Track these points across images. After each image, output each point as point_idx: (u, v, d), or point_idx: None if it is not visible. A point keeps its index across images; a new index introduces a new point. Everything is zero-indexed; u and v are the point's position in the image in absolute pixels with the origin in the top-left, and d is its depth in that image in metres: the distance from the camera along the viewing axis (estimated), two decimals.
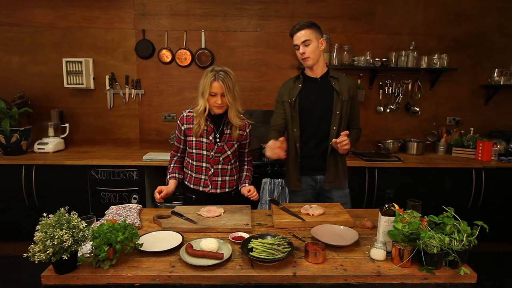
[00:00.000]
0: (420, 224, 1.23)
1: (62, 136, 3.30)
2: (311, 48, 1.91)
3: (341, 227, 1.54)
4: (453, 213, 1.28)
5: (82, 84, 3.23)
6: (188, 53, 3.33)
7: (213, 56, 3.35)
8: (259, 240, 1.34)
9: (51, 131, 3.19)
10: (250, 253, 1.25)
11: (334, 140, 1.88)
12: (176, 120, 3.23)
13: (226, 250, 1.32)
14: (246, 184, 1.96)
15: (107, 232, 1.21)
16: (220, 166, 1.90)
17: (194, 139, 1.87)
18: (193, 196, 1.96)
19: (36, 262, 1.11)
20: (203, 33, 3.33)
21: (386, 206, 1.34)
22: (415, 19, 3.39)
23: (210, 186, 1.91)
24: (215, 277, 1.19)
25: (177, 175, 1.97)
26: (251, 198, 1.86)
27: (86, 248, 1.22)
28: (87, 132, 3.45)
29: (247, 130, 1.95)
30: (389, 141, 3.39)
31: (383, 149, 3.38)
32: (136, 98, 3.42)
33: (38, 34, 3.27)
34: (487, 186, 2.97)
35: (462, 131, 3.45)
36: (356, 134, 2.14)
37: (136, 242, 1.28)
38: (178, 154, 2.01)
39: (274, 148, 1.73)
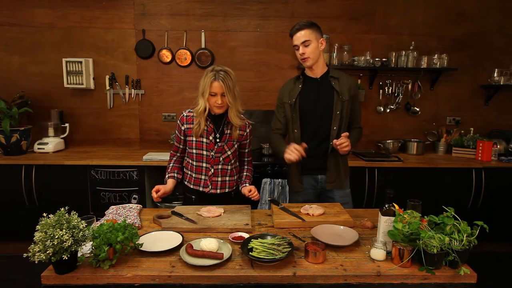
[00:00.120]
0: (420, 224, 1.23)
1: (62, 136, 3.30)
2: (310, 49, 1.90)
3: (341, 227, 1.54)
4: (453, 213, 1.28)
5: (82, 84, 3.23)
6: (188, 53, 3.33)
7: (213, 56, 3.35)
8: (259, 240, 1.34)
9: (51, 131, 3.19)
10: (250, 253, 1.25)
11: (334, 141, 1.88)
12: (176, 120, 3.23)
13: (226, 250, 1.32)
14: (247, 184, 1.95)
15: (107, 232, 1.21)
16: (220, 167, 1.90)
17: (194, 139, 1.87)
18: (193, 197, 1.95)
19: (36, 262, 1.11)
20: (203, 33, 3.33)
21: (386, 206, 1.34)
22: (415, 19, 3.39)
23: (210, 187, 1.91)
24: (215, 277, 1.19)
25: (175, 175, 1.96)
26: (252, 198, 1.86)
27: (86, 248, 1.22)
28: (87, 132, 3.45)
29: (247, 130, 1.95)
30: (389, 141, 3.39)
31: (383, 149, 3.38)
32: (136, 98, 3.42)
33: (38, 34, 3.27)
34: (487, 186, 2.97)
35: (462, 131, 3.45)
36: (358, 134, 2.13)
37: (136, 242, 1.28)
38: (178, 154, 2.01)
39: (293, 151, 1.81)
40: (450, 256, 1.21)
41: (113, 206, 1.79)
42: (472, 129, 3.41)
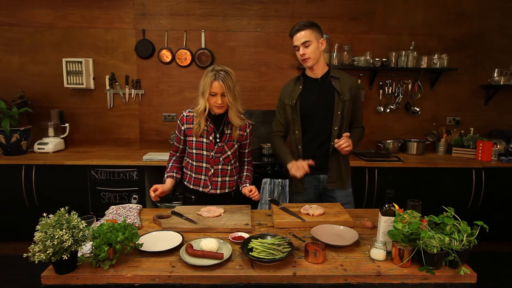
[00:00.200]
0: (420, 224, 1.23)
1: (62, 136, 3.30)
2: (311, 49, 1.90)
3: (341, 227, 1.54)
4: (453, 213, 1.28)
5: (82, 84, 3.23)
6: (188, 53, 3.33)
7: (213, 56, 3.35)
8: (259, 240, 1.34)
9: (51, 131, 3.19)
10: (250, 253, 1.25)
11: (336, 140, 1.88)
12: (176, 120, 3.23)
13: (226, 250, 1.32)
14: (247, 184, 1.95)
15: (107, 232, 1.21)
16: (220, 167, 1.90)
17: (194, 139, 1.86)
18: (192, 197, 1.95)
19: (36, 262, 1.11)
20: (203, 33, 3.33)
21: (386, 206, 1.34)
22: (415, 19, 3.39)
23: (210, 187, 1.91)
24: (215, 277, 1.19)
25: (174, 174, 1.96)
26: (253, 198, 1.85)
27: (86, 248, 1.22)
28: (87, 132, 3.45)
29: (248, 131, 1.95)
30: (389, 141, 3.39)
31: (383, 149, 3.38)
32: (136, 98, 3.42)
33: (38, 34, 3.27)
34: (487, 186, 2.97)
35: (462, 131, 3.45)
36: (360, 133, 2.13)
37: (136, 242, 1.28)
38: (177, 154, 2.01)
39: (299, 168, 1.87)
40: (450, 256, 1.21)
41: (113, 206, 1.79)
42: (472, 129, 3.41)
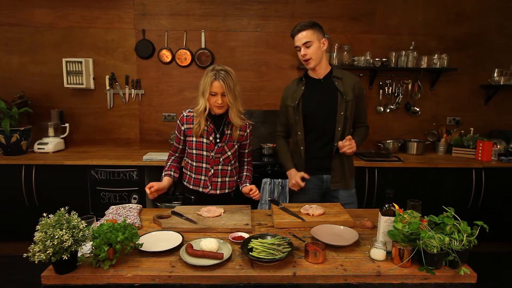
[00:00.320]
0: (420, 224, 1.23)
1: (62, 136, 3.30)
2: (312, 50, 1.88)
3: (341, 227, 1.54)
4: (453, 213, 1.28)
5: (82, 84, 3.23)
6: (188, 53, 3.33)
7: (213, 56, 3.35)
8: (259, 240, 1.34)
9: (51, 131, 3.19)
10: (250, 253, 1.25)
11: (339, 142, 1.87)
12: (176, 120, 3.23)
13: (226, 250, 1.32)
14: (247, 184, 1.94)
15: (107, 232, 1.21)
16: (220, 167, 1.90)
17: (194, 139, 1.86)
18: (192, 197, 1.95)
19: (36, 262, 1.11)
20: (203, 33, 3.33)
21: (386, 206, 1.34)
22: (415, 19, 3.39)
23: (210, 187, 1.91)
24: (215, 277, 1.19)
25: (172, 173, 1.94)
26: (253, 197, 1.85)
27: (86, 248, 1.22)
28: (87, 132, 3.45)
29: (248, 131, 1.95)
30: (389, 141, 3.39)
31: (383, 149, 3.38)
32: (136, 98, 3.42)
33: (38, 34, 3.27)
34: (487, 186, 2.97)
35: (462, 131, 3.45)
36: (364, 132, 2.12)
37: (136, 242, 1.28)
38: (176, 154, 2.00)
39: (295, 185, 1.99)
40: (450, 256, 1.21)
41: (113, 206, 1.79)
42: (472, 129, 3.41)
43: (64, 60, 3.19)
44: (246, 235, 1.45)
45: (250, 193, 1.85)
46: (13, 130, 2.94)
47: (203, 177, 1.90)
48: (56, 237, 1.10)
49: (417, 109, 3.50)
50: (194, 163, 1.90)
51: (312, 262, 1.26)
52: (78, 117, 3.41)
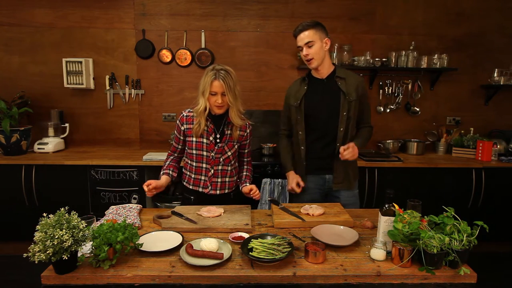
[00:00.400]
0: (420, 224, 1.23)
1: (62, 136, 3.30)
2: (314, 49, 1.88)
3: (341, 227, 1.54)
4: (453, 213, 1.28)
5: (82, 84, 3.23)
6: (188, 53, 3.33)
7: (213, 56, 3.35)
8: (259, 240, 1.34)
9: (51, 131, 3.19)
10: (250, 253, 1.25)
11: (340, 150, 1.86)
12: (176, 120, 3.22)
13: (226, 250, 1.32)
14: (247, 184, 1.94)
15: (107, 232, 1.21)
16: (220, 167, 1.89)
17: (194, 139, 1.85)
18: (192, 197, 1.94)
19: (36, 262, 1.11)
20: (203, 33, 3.33)
21: (386, 206, 1.34)
22: (415, 19, 3.39)
23: (210, 187, 1.90)
24: (215, 277, 1.19)
25: (171, 172, 1.92)
26: (254, 197, 1.84)
27: (86, 248, 1.22)
28: (87, 132, 3.45)
29: (248, 131, 1.94)
30: (389, 141, 3.39)
31: (383, 149, 3.38)
32: (136, 98, 3.42)
33: (38, 34, 3.27)
34: (487, 186, 2.97)
35: (462, 131, 3.45)
36: (368, 133, 2.10)
37: (136, 242, 1.28)
38: (175, 155, 1.99)
39: (291, 189, 2.04)
40: (450, 256, 1.21)
41: (113, 206, 1.79)
42: (472, 129, 3.41)
43: (64, 60, 3.19)
44: (246, 235, 1.45)
45: (251, 193, 1.84)
46: (13, 130, 2.94)
47: (203, 177, 1.90)
48: (56, 237, 1.10)
49: (417, 109, 3.50)
50: (194, 163, 1.89)
51: (312, 262, 1.26)
52: (78, 117, 3.41)
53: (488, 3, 3.37)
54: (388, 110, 3.49)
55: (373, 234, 1.53)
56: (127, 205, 1.82)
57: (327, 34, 1.94)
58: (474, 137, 3.24)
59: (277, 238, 1.35)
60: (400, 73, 3.44)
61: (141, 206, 1.85)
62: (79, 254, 1.21)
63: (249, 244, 1.31)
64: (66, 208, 1.24)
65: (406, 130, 3.55)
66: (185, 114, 1.87)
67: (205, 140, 1.84)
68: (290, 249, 1.28)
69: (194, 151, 1.87)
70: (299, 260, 1.29)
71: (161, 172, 1.93)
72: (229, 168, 1.92)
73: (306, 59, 1.92)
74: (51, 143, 3.14)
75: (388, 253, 1.30)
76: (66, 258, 1.12)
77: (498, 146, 3.15)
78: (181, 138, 1.91)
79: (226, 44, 3.37)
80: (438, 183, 2.97)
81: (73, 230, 1.15)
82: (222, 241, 1.38)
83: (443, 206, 1.33)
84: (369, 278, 1.20)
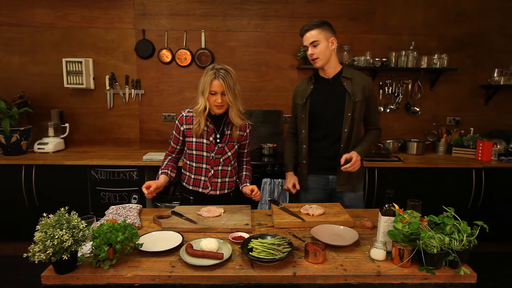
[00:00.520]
0: (420, 224, 1.23)
1: (62, 136, 3.30)
2: (319, 49, 1.88)
3: (341, 227, 1.54)
4: (453, 213, 1.28)
5: (82, 84, 3.23)
6: (188, 53, 3.33)
7: (213, 56, 3.35)
8: (259, 240, 1.34)
9: (51, 131, 3.19)
10: (250, 253, 1.25)
11: (342, 158, 1.86)
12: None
13: (226, 250, 1.32)
14: (247, 184, 1.94)
15: (107, 232, 1.21)
16: (220, 168, 1.89)
17: (194, 140, 1.84)
18: (191, 198, 1.94)
19: (36, 262, 1.11)
20: (203, 33, 3.33)
21: (386, 206, 1.34)
22: (415, 19, 3.39)
23: (210, 188, 1.90)
24: (215, 277, 1.19)
25: (169, 172, 1.91)
26: (254, 198, 1.84)
27: (86, 248, 1.22)
28: (87, 132, 3.45)
29: (247, 131, 1.94)
30: (389, 141, 3.39)
31: (383, 149, 3.38)
32: (136, 98, 3.42)
33: (38, 34, 3.27)
34: (487, 186, 2.97)
35: (462, 131, 3.45)
36: (375, 135, 2.06)
37: (136, 242, 1.28)
38: (173, 155, 1.97)
39: (287, 185, 2.09)
40: (450, 256, 1.21)
41: (113, 206, 1.79)
42: (472, 129, 3.41)
43: (64, 60, 3.19)
44: (246, 235, 1.45)
45: (252, 194, 1.83)
46: (13, 130, 2.94)
47: (203, 178, 1.89)
48: (56, 237, 1.10)
49: (417, 109, 3.50)
50: (194, 164, 1.89)
51: (312, 262, 1.26)
52: (78, 117, 3.41)
53: (488, 3, 3.37)
54: (388, 110, 3.49)
55: (373, 234, 1.53)
56: (127, 205, 1.82)
57: (334, 33, 1.92)
58: (474, 137, 3.24)
59: (277, 238, 1.35)
60: (400, 73, 3.44)
61: (141, 206, 1.84)
62: (79, 254, 1.21)
63: (249, 244, 1.31)
64: (66, 208, 1.24)
65: (406, 130, 3.55)
66: (184, 114, 1.86)
67: (205, 141, 1.84)
68: (290, 249, 1.28)
69: (194, 152, 1.86)
70: (299, 260, 1.29)
71: (159, 172, 1.91)
72: (229, 169, 1.92)
73: (311, 58, 1.92)
74: (51, 143, 3.14)
75: (388, 253, 1.30)
76: (66, 258, 1.12)
77: (498, 146, 3.15)
78: (180, 138, 1.89)
79: (226, 44, 3.37)
80: (438, 183, 2.97)
81: (73, 230, 1.15)
82: (222, 241, 1.38)
83: (443, 206, 1.33)
84: (369, 278, 1.20)
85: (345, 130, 1.95)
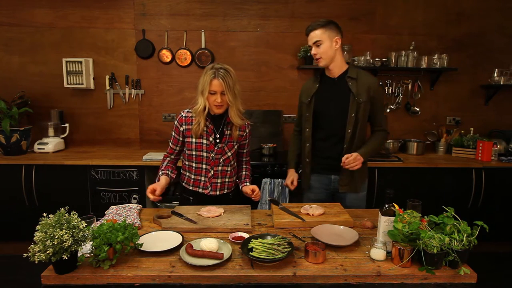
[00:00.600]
0: (420, 224, 1.23)
1: (62, 136, 3.30)
2: (322, 49, 1.88)
3: (341, 227, 1.54)
4: (453, 213, 1.28)
5: (82, 84, 3.23)
6: (188, 53, 3.33)
7: (213, 56, 3.35)
8: (259, 240, 1.34)
9: (51, 131, 3.19)
10: (250, 253, 1.25)
11: (344, 157, 1.85)
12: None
13: (226, 250, 1.32)
14: (248, 183, 1.93)
15: (107, 232, 1.21)
16: (220, 168, 1.89)
17: (193, 140, 1.83)
18: (191, 198, 1.93)
19: (36, 262, 1.11)
20: (203, 33, 3.33)
21: (386, 206, 1.34)
22: (415, 19, 3.39)
23: (210, 188, 1.89)
24: (215, 277, 1.19)
25: (169, 173, 1.90)
26: (253, 198, 1.83)
27: (86, 248, 1.22)
28: (87, 132, 3.45)
29: (247, 131, 1.94)
30: (389, 141, 3.38)
31: (383, 149, 3.37)
32: (136, 98, 3.42)
33: (38, 34, 3.27)
34: (487, 186, 2.97)
35: (462, 131, 3.45)
36: (381, 138, 2.04)
37: (136, 242, 1.28)
38: (172, 157, 1.96)
39: (286, 182, 2.14)
40: (450, 256, 1.21)
41: (113, 206, 1.79)
42: (472, 129, 3.41)
43: (64, 60, 3.19)
44: (246, 235, 1.45)
45: (253, 194, 1.83)
46: (13, 130, 2.94)
47: (203, 178, 1.89)
48: (56, 237, 1.10)
49: (417, 109, 3.50)
50: (194, 164, 1.88)
51: (312, 262, 1.26)
52: (78, 117, 3.41)
53: (488, 3, 3.37)
54: (388, 110, 3.49)
55: (373, 234, 1.53)
56: (127, 205, 1.82)
57: (340, 32, 1.92)
58: (474, 137, 3.24)
59: (277, 238, 1.35)
60: (400, 73, 3.44)
61: (141, 206, 1.85)
62: (79, 254, 1.21)
63: (249, 244, 1.31)
64: (66, 208, 1.24)
65: (406, 130, 3.55)
66: (183, 115, 1.85)
67: (204, 141, 1.83)
68: (290, 249, 1.28)
69: (193, 152, 1.85)
70: (299, 260, 1.29)
71: (160, 173, 1.90)
72: (229, 169, 1.92)
73: (314, 58, 1.93)
74: (51, 143, 3.14)
75: (388, 253, 1.30)
76: (66, 258, 1.12)
77: (498, 146, 3.15)
78: (180, 139, 1.88)
79: (226, 44, 3.37)
80: (438, 183, 2.97)
81: (73, 230, 1.15)
82: (222, 241, 1.38)
83: (443, 206, 1.33)
84: (369, 278, 1.20)
85: (349, 130, 1.94)
